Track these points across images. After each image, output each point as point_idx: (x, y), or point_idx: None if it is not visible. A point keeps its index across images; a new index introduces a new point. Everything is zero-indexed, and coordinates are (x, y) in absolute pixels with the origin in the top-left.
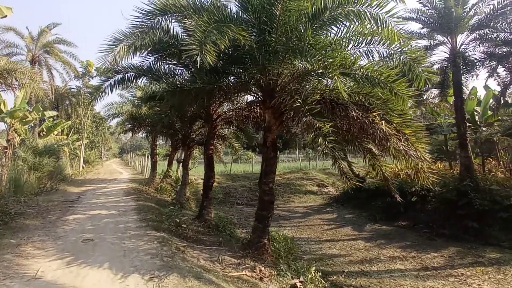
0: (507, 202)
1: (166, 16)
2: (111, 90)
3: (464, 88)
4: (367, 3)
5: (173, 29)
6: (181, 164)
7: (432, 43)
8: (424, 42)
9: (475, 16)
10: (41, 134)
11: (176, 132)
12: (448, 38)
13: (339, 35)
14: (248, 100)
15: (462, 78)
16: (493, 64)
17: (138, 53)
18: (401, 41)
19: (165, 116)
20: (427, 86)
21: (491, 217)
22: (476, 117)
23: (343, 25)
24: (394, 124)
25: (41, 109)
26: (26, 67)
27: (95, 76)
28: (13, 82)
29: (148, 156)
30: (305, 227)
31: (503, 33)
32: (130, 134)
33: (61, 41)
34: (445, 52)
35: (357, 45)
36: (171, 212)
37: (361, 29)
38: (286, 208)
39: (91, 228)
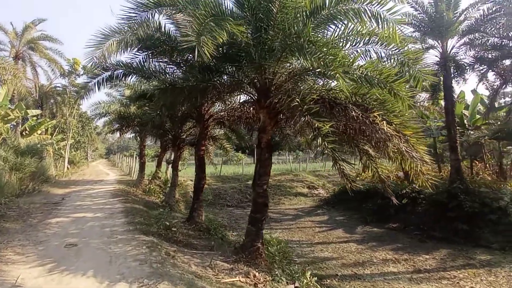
0: (496, 204)
1: (160, 9)
2: (99, 88)
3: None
4: (368, 1)
5: (164, 25)
6: (170, 165)
7: (423, 46)
8: (416, 46)
9: (465, 21)
10: (24, 133)
11: (166, 132)
12: (439, 42)
13: (337, 34)
14: (241, 100)
15: (453, 82)
16: (483, 69)
17: (128, 50)
18: (399, 42)
19: (155, 115)
20: (417, 89)
21: (480, 219)
22: (465, 121)
23: (342, 24)
24: (394, 125)
25: (24, 107)
26: (9, 62)
27: (82, 75)
28: None
29: (136, 157)
30: (297, 229)
31: (493, 38)
32: (118, 134)
33: (46, 37)
34: (436, 56)
35: (355, 45)
36: (160, 215)
37: (360, 28)
38: (276, 210)
39: (75, 232)
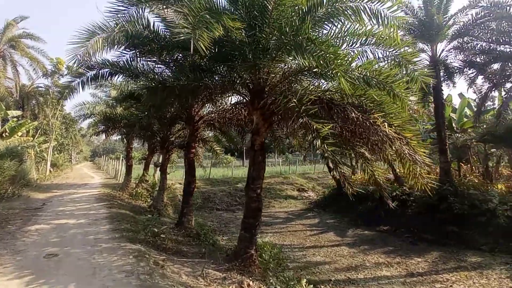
0: (485, 206)
1: (151, 3)
2: (83, 88)
3: None
4: None
5: (153, 23)
6: (158, 168)
7: (413, 50)
8: (407, 49)
9: (454, 25)
10: (4, 135)
11: (154, 134)
12: (429, 46)
13: (333, 33)
14: (233, 102)
15: (443, 85)
16: (472, 72)
17: (115, 48)
18: (398, 42)
19: (143, 116)
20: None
21: (470, 221)
22: (453, 124)
23: (340, 23)
24: (394, 127)
25: (4, 108)
26: None
27: (66, 75)
28: None
29: (122, 160)
30: (288, 233)
31: (481, 42)
32: (103, 136)
33: (28, 36)
34: (426, 60)
35: (351, 45)
36: (148, 222)
37: (359, 26)
38: (267, 214)
39: (56, 241)
